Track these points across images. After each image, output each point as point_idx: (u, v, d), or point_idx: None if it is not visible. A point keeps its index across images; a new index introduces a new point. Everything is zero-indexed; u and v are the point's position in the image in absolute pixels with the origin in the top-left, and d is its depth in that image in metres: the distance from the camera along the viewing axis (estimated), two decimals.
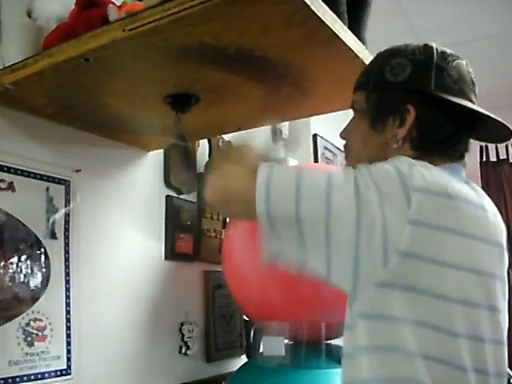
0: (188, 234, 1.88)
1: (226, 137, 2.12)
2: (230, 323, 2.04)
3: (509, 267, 0.87)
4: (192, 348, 1.81)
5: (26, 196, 1.33)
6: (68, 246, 1.43)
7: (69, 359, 1.38)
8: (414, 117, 0.86)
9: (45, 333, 1.33)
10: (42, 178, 1.38)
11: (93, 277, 1.50)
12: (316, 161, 2.59)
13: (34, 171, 1.36)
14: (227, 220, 1.98)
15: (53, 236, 1.39)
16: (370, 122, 0.92)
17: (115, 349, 1.55)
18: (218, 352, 1.95)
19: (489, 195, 0.88)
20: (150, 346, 1.68)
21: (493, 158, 3.72)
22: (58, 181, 1.43)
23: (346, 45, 1.06)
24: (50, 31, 1.18)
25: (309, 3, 0.90)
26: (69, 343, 1.38)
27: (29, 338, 1.28)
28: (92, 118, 1.42)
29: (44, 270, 1.35)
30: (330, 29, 0.99)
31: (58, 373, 1.35)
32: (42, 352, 1.31)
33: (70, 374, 1.38)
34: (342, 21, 1.05)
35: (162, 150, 1.80)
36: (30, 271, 1.31)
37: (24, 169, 1.34)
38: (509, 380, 0.84)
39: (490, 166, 3.71)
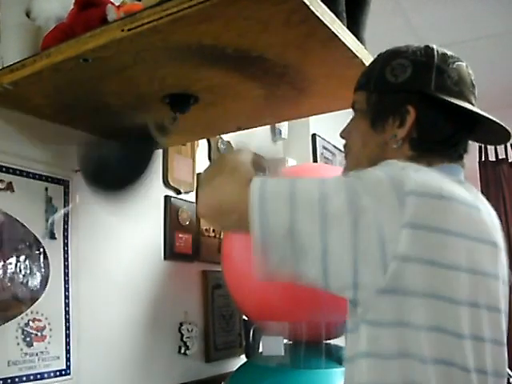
0: (187, 233, 1.88)
1: (225, 137, 2.12)
2: (229, 323, 2.04)
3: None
4: (191, 348, 1.81)
5: (24, 196, 1.33)
6: (67, 246, 1.42)
7: (68, 359, 1.38)
8: (413, 117, 0.86)
9: (44, 333, 1.32)
10: (40, 178, 1.38)
11: (92, 277, 1.50)
12: (315, 161, 2.59)
13: (32, 171, 1.36)
14: None
15: (52, 236, 1.39)
16: (370, 122, 0.92)
17: (114, 349, 1.55)
18: (218, 352, 1.95)
19: (488, 195, 0.88)
20: (150, 345, 1.68)
21: (492, 158, 3.72)
22: (57, 181, 1.43)
23: (345, 44, 1.06)
24: (48, 31, 1.18)
25: (307, 3, 0.90)
26: (68, 343, 1.38)
27: (28, 339, 1.28)
28: (91, 118, 1.41)
29: (43, 270, 1.35)
30: (329, 28, 0.99)
31: (58, 373, 1.35)
32: (42, 352, 1.31)
33: (69, 374, 1.38)
34: (341, 20, 1.05)
35: (160, 150, 1.80)
36: (29, 271, 1.31)
37: (23, 169, 1.34)
38: (508, 380, 0.84)
39: (488, 166, 3.71)
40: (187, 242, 1.88)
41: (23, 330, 1.28)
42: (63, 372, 1.36)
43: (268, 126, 2.47)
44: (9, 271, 1.27)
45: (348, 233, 0.73)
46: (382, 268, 0.72)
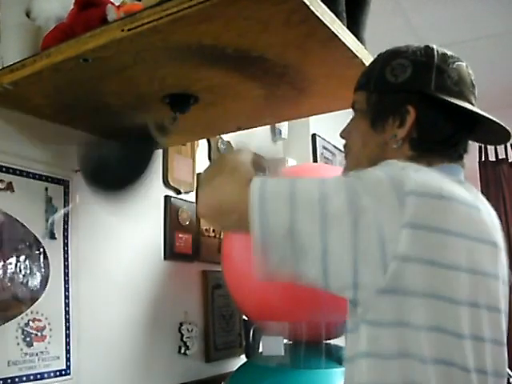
0: (187, 233, 1.88)
1: (225, 137, 2.12)
2: (229, 323, 2.04)
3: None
4: (191, 348, 1.81)
5: (24, 196, 1.33)
6: (67, 246, 1.42)
7: (68, 359, 1.38)
8: (413, 117, 0.87)
9: (44, 333, 1.32)
10: (40, 178, 1.38)
11: (92, 277, 1.50)
12: (315, 161, 2.59)
13: (32, 171, 1.36)
14: None
15: (52, 236, 1.39)
16: (370, 122, 0.92)
17: (114, 349, 1.55)
18: (218, 352, 1.95)
19: (488, 195, 0.88)
20: (150, 345, 1.68)
21: (492, 158, 3.72)
22: (57, 181, 1.43)
23: (345, 44, 1.06)
24: (48, 31, 1.18)
25: (307, 3, 0.90)
26: (68, 343, 1.38)
27: (28, 339, 1.28)
28: (91, 118, 1.41)
29: (43, 270, 1.35)
30: (329, 28, 0.99)
31: (58, 373, 1.35)
32: (42, 352, 1.31)
33: (69, 374, 1.38)
34: (341, 20, 1.05)
35: (160, 150, 1.80)
36: (28, 271, 1.31)
37: (23, 169, 1.34)
38: (508, 380, 0.84)
39: (488, 166, 3.70)
40: (187, 242, 1.88)
41: (23, 330, 1.28)
42: (63, 372, 1.36)
43: (268, 126, 2.47)
44: (9, 271, 1.27)
45: (348, 233, 0.73)
46: (382, 268, 0.72)
